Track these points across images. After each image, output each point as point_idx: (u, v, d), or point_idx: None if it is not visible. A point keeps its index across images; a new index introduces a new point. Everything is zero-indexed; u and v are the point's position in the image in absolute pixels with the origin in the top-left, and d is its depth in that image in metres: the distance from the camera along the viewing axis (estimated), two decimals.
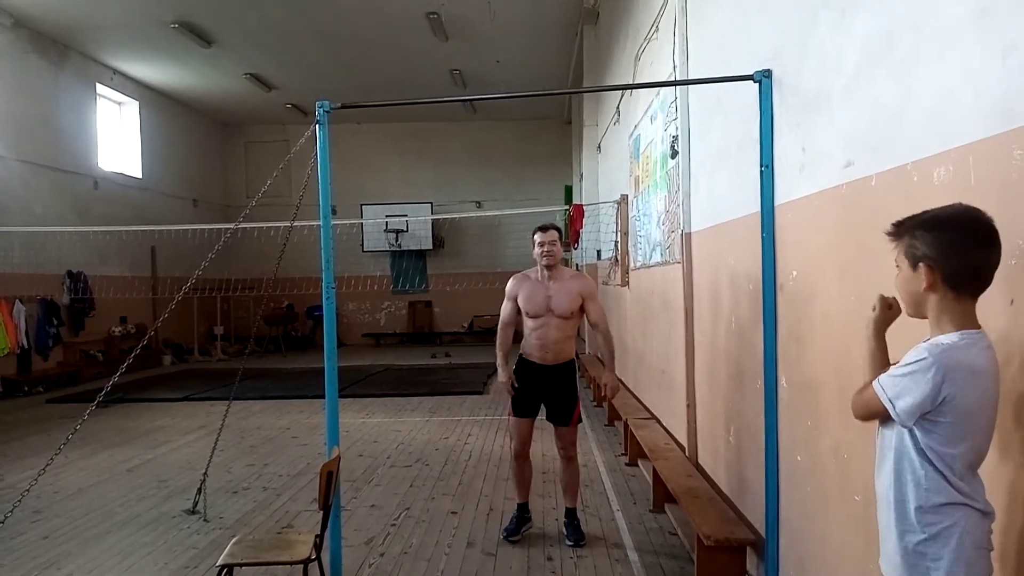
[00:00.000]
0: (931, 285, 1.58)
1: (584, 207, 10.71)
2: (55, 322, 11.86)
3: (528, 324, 4.30)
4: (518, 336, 4.37)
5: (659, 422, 6.03)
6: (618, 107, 8.61)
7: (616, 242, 8.54)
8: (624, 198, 8.10)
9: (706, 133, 4.60)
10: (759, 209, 3.31)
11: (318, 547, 3.02)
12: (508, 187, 18.21)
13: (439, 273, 18.32)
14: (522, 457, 4.40)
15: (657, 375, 6.32)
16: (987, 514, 1.58)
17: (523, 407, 4.33)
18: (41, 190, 11.90)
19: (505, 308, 4.37)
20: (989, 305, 1.65)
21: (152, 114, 15.43)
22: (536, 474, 5.18)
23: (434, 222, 17.42)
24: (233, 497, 5.37)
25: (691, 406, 4.93)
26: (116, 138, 14.57)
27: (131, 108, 14.92)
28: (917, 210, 1.66)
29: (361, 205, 17.23)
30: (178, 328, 15.37)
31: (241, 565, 3.00)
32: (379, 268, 18.31)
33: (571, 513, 4.40)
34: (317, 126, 3.44)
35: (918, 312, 1.66)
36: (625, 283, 8.05)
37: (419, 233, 17.56)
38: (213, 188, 18.19)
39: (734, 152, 3.93)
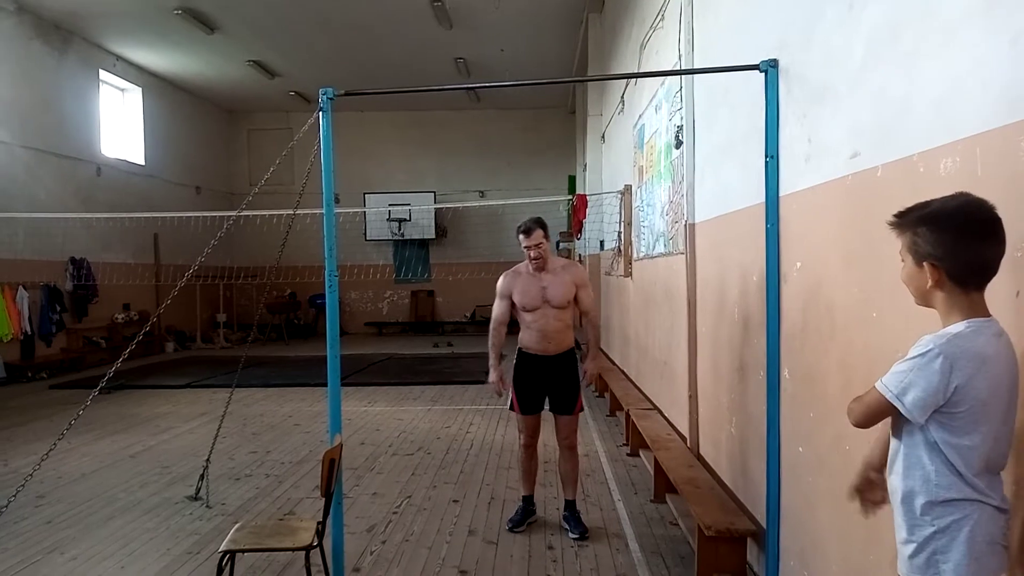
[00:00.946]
0: (937, 283, 1.57)
1: (588, 197, 10.68)
2: (58, 308, 11.88)
3: (525, 318, 4.29)
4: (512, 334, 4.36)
5: (661, 413, 6.03)
6: (623, 96, 8.57)
7: (619, 232, 8.53)
8: (628, 188, 8.08)
9: (711, 123, 4.57)
10: (764, 200, 3.29)
11: (320, 534, 3.03)
12: (511, 176, 18.18)
13: (442, 262, 18.32)
14: (530, 448, 4.42)
15: (659, 366, 6.32)
16: (1003, 510, 1.54)
17: (529, 403, 4.33)
18: (44, 176, 11.89)
19: (498, 307, 4.36)
20: (995, 297, 1.64)
21: (155, 101, 15.40)
22: (539, 464, 5.19)
23: (437, 211, 17.41)
24: (235, 484, 5.39)
25: (693, 397, 4.93)
26: (119, 125, 14.55)
27: (134, 95, 14.90)
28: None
29: (364, 194, 17.23)
30: (181, 315, 15.40)
31: (243, 551, 3.01)
32: (382, 257, 18.32)
33: (571, 505, 4.39)
34: (320, 113, 3.42)
35: (926, 303, 1.65)
36: (628, 274, 8.04)
37: (422, 222, 17.55)
38: (216, 175, 18.16)
39: (739, 142, 3.91)
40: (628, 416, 6.19)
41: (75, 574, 3.84)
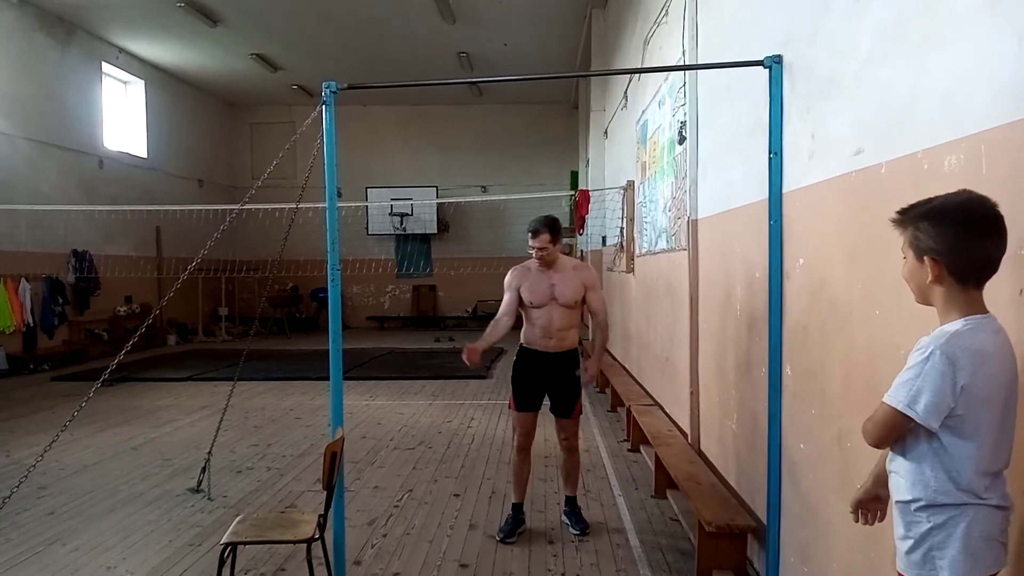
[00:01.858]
0: (937, 278, 1.57)
1: (590, 193, 10.67)
2: (60, 300, 11.89)
3: (531, 314, 4.27)
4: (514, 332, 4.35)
5: (662, 408, 6.04)
6: (626, 92, 8.55)
7: (622, 228, 8.52)
8: (630, 184, 8.07)
9: (714, 119, 4.56)
10: (767, 196, 3.28)
11: (321, 527, 3.04)
12: (514, 172, 18.14)
13: (443, 257, 18.29)
14: (524, 451, 4.33)
15: (661, 362, 6.32)
16: (1003, 508, 1.54)
17: (526, 401, 4.28)
18: (47, 169, 11.89)
19: (505, 299, 4.33)
20: (996, 295, 1.63)
21: (158, 94, 15.38)
22: (538, 458, 5.20)
23: (439, 206, 17.37)
24: (237, 476, 5.40)
25: (694, 393, 4.93)
26: (122, 117, 14.54)
27: (137, 87, 14.87)
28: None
29: (366, 188, 17.20)
30: (183, 308, 15.41)
31: (245, 543, 3.03)
32: (384, 251, 18.30)
33: (571, 501, 4.39)
34: (323, 107, 3.42)
35: (925, 301, 1.65)
36: (630, 269, 8.03)
37: (424, 217, 17.53)
38: (218, 168, 18.14)
39: (742, 138, 3.90)
40: (629, 412, 6.20)
41: (77, 565, 3.85)
